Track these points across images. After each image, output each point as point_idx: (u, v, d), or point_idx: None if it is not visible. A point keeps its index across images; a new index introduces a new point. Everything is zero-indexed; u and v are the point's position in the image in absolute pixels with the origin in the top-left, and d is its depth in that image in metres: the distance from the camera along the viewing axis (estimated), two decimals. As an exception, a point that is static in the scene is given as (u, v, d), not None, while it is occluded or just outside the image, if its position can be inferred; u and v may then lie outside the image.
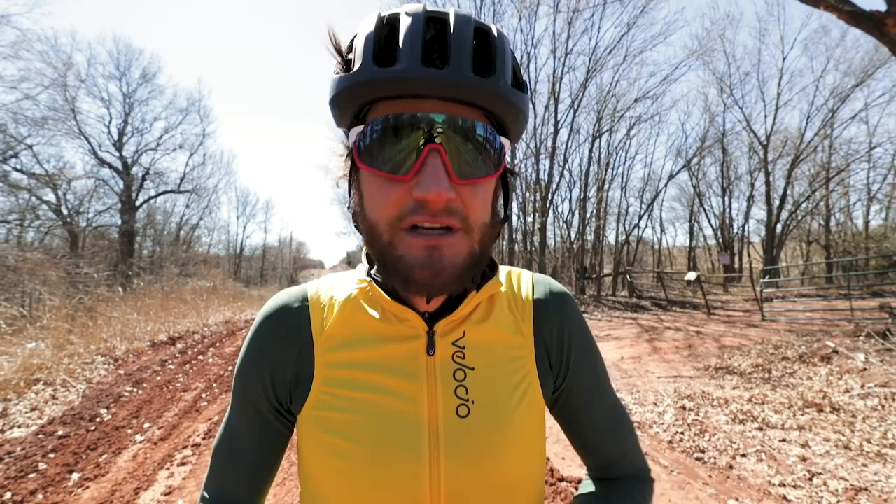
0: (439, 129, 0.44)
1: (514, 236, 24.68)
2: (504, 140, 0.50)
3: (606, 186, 22.09)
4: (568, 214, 25.78)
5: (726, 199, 25.87)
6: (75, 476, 3.12)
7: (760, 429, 3.86)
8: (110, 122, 23.49)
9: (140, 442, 3.76)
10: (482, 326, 0.55)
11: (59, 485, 2.99)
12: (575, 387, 0.60)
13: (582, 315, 0.64)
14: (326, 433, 0.51)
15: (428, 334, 0.53)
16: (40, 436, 3.90)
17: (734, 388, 5.04)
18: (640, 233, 28.60)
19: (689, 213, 28.14)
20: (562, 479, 2.95)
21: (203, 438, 3.81)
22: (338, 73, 0.47)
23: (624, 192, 25.38)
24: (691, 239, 28.09)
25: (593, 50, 18.88)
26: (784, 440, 3.61)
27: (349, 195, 0.52)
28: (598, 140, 21.31)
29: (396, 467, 0.49)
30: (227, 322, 12.54)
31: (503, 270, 0.62)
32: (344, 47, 0.48)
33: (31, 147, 18.51)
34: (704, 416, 4.21)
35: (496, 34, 0.48)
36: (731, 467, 3.20)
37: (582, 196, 21.13)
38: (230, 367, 6.53)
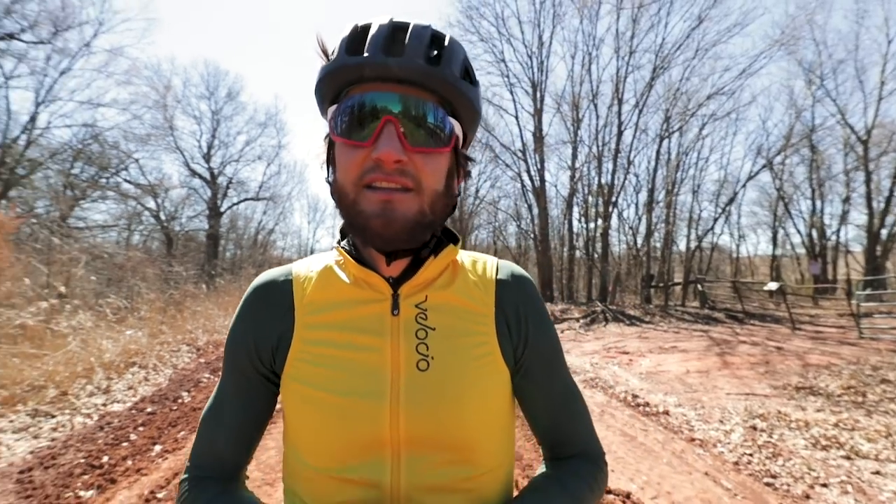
0: (396, 106, 0.53)
1: (574, 242, 23.95)
2: (454, 121, 0.57)
3: (676, 190, 20.77)
4: (634, 220, 24.57)
5: (817, 201, 23.26)
6: (157, 448, 3.51)
7: (848, 457, 3.45)
8: (201, 136, 26.10)
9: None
10: (444, 292, 0.60)
11: (144, 454, 3.38)
12: (531, 365, 0.63)
13: (541, 298, 0.67)
14: (303, 385, 0.56)
15: (393, 297, 0.58)
16: (133, 411, 4.43)
17: (818, 411, 4.54)
18: (715, 239, 26.53)
19: (773, 217, 25.63)
20: (609, 492, 2.84)
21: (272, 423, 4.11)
22: (323, 66, 0.56)
23: (696, 195, 23.71)
24: (774, 246, 25.54)
25: (660, 46, 17.96)
26: (878, 472, 3.20)
27: (328, 171, 0.60)
28: (666, 141, 20.15)
29: (361, 412, 0.54)
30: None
31: (471, 255, 0.67)
32: (328, 47, 0.57)
33: (137, 161, 21.06)
34: (779, 438, 3.84)
35: (448, 39, 0.56)
36: (807, 497, 2.89)
37: (649, 200, 20.03)
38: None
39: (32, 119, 15.01)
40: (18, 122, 15.02)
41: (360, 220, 0.53)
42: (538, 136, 21.07)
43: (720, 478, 3.12)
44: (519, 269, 0.66)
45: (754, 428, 4.04)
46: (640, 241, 21.91)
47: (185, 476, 0.62)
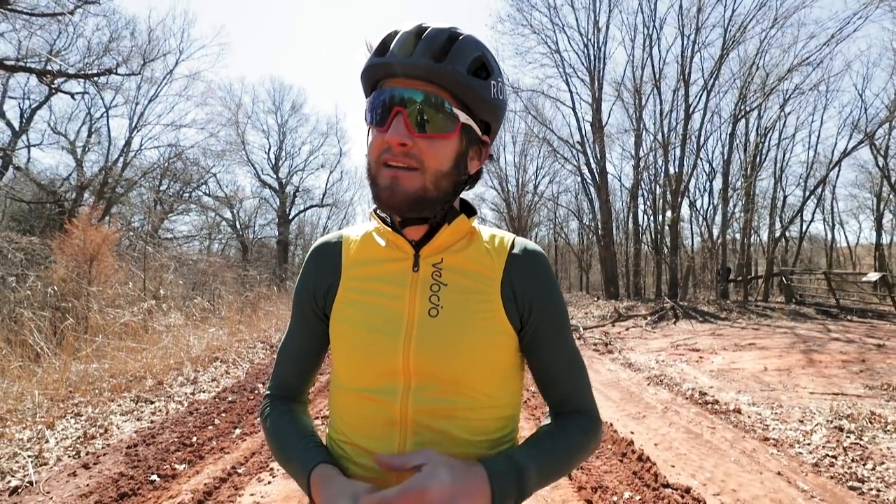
0: (406, 98, 0.63)
1: (640, 236, 22.76)
2: (459, 112, 0.65)
3: (755, 174, 19.04)
4: (708, 209, 22.86)
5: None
6: (237, 431, 3.89)
7: (955, 464, 3.04)
8: (269, 149, 28.07)
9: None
10: (458, 256, 0.71)
11: (226, 436, 3.77)
12: (537, 329, 0.71)
13: (552, 271, 0.74)
14: (342, 323, 0.71)
15: (414, 256, 0.70)
16: (217, 399, 4.93)
17: (923, 413, 4.02)
18: (805, 227, 23.98)
19: (876, 200, 22.63)
20: (666, 486, 2.74)
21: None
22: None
23: (780, 180, 21.58)
24: (879, 233, 22.54)
25: (730, 20, 16.55)
26: None
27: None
28: (743, 121, 18.55)
29: (382, 346, 0.66)
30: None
31: (493, 230, 0.77)
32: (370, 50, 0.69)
33: (215, 175, 23.15)
34: (870, 440, 3.46)
35: (462, 37, 0.64)
36: (900, 503, 2.60)
37: (724, 187, 18.57)
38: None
39: (127, 143, 17.04)
40: (116, 147, 17.14)
41: (376, 191, 0.66)
42: (597, 127, 20.31)
43: (796, 479, 2.89)
44: (532, 245, 0.74)
45: (840, 429, 3.67)
46: (715, 232, 20.37)
47: (266, 394, 0.82)
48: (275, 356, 6.38)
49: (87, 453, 3.45)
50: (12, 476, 3.03)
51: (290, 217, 28.22)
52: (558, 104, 22.58)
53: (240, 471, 3.09)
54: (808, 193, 20.10)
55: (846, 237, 36.61)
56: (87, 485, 2.91)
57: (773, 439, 3.55)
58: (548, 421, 0.74)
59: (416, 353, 0.65)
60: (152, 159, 18.22)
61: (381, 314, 0.68)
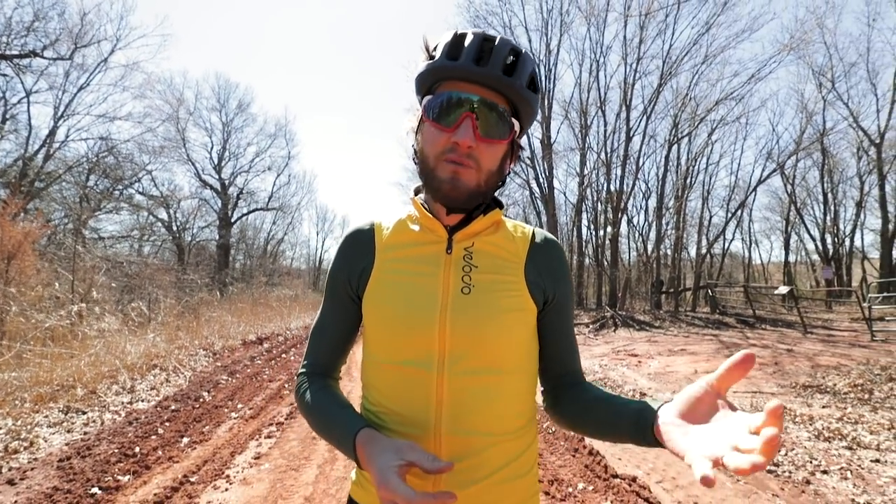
0: (475, 104, 0.70)
1: (583, 249, 23.97)
2: (514, 121, 0.74)
3: (686, 195, 20.78)
4: (644, 226, 24.54)
5: (830, 206, 23.06)
6: (185, 440, 3.69)
7: (850, 448, 3.53)
8: (212, 148, 26.67)
9: (234, 418, 4.32)
10: (486, 241, 0.79)
11: (173, 445, 3.57)
12: (554, 308, 0.80)
13: (566, 259, 0.85)
14: (379, 301, 0.76)
15: (448, 240, 0.77)
16: (158, 408, 4.63)
17: (824, 407, 4.61)
18: (727, 245, 26.38)
19: (785, 223, 25.44)
20: (615, 476, 2.96)
21: (285, 419, 4.29)
22: (426, 62, 0.74)
23: (706, 201, 23.66)
24: (787, 252, 25.33)
25: (667, 53, 18.09)
26: (877, 461, 3.29)
27: (415, 140, 0.79)
28: (675, 146, 20.22)
29: (418, 321, 0.72)
30: (306, 327, 13.55)
31: (517, 222, 0.86)
32: (430, 47, 0.75)
33: (150, 173, 21.59)
34: (783, 431, 3.92)
35: (523, 53, 0.74)
36: (808, 482, 2.99)
37: (658, 206, 20.07)
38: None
39: (51, 133, 15.56)
40: (38, 137, 15.60)
41: (435, 184, 0.73)
42: (546, 144, 21.26)
43: (725, 467, 3.22)
44: (550, 236, 0.85)
45: (760, 422, 4.13)
46: (650, 247, 21.91)
47: (301, 371, 0.84)
48: (218, 363, 6.11)
49: (10, 468, 3.14)
50: (-80, 495, 2.71)
51: (233, 220, 26.87)
52: (510, 120, 23.38)
53: (192, 479, 2.95)
54: (729, 215, 22.20)
55: (760, 255, 40.73)
56: (15, 501, 2.66)
57: (704, 433, 3.92)
58: (539, 399, 0.84)
59: (451, 327, 0.71)
60: (79, 152, 16.75)
61: (416, 291, 0.74)
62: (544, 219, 22.95)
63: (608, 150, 19.58)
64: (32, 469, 3.13)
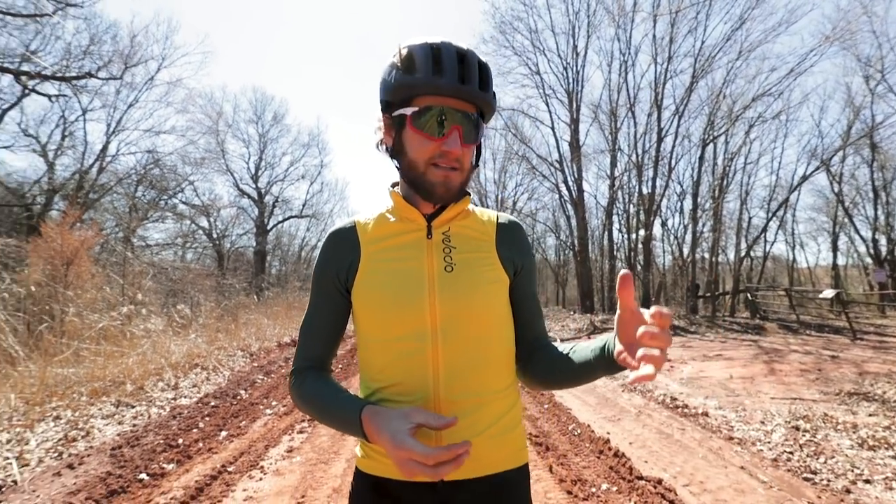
0: (461, 119, 0.81)
1: (615, 253, 23.46)
2: (482, 123, 0.86)
3: (722, 196, 20.02)
4: (679, 228, 23.79)
5: (881, 205, 21.63)
6: (224, 433, 3.91)
7: (896, 457, 3.35)
8: (249, 158, 27.76)
9: (269, 414, 4.52)
10: (460, 225, 0.89)
11: (213, 438, 3.79)
12: (522, 279, 0.92)
13: (528, 237, 0.96)
14: (370, 288, 0.84)
15: (427, 227, 0.87)
16: (199, 404, 4.90)
17: (871, 416, 4.37)
18: (769, 248, 25.20)
19: (833, 223, 24.05)
20: (640, 478, 2.93)
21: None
22: (399, 72, 0.80)
23: (745, 202, 22.70)
24: (835, 255, 23.89)
25: (699, 51, 17.55)
26: (927, 472, 3.11)
27: (389, 141, 0.87)
28: (710, 146, 19.55)
29: (409, 300, 0.81)
30: (337, 330, 13.85)
31: (484, 209, 0.96)
32: (404, 56, 0.80)
33: (192, 183, 22.72)
34: (823, 438, 3.76)
35: (484, 62, 0.83)
36: (848, 491, 2.87)
37: (693, 208, 19.43)
38: (339, 365, 7.34)
39: (104, 148, 16.66)
40: (93, 151, 16.73)
41: (427, 186, 0.82)
42: (575, 146, 21.01)
43: (757, 472, 3.13)
44: (514, 219, 0.95)
45: (797, 428, 3.96)
46: (685, 250, 21.20)
47: (293, 369, 0.90)
48: (255, 363, 6.38)
49: (69, 454, 3.42)
50: (-6, 476, 3.00)
51: (269, 227, 27.85)
52: (538, 123, 23.26)
53: (230, 469, 3.14)
54: (770, 215, 21.20)
55: (806, 258, 38.55)
56: (75, 483, 2.91)
57: (738, 438, 3.81)
58: (555, 348, 0.90)
59: (440, 302, 0.80)
60: (129, 165, 17.85)
61: (404, 275, 0.82)
62: (574, 223, 22.64)
63: (639, 151, 19.15)
64: (89, 455, 3.40)
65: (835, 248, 23.90)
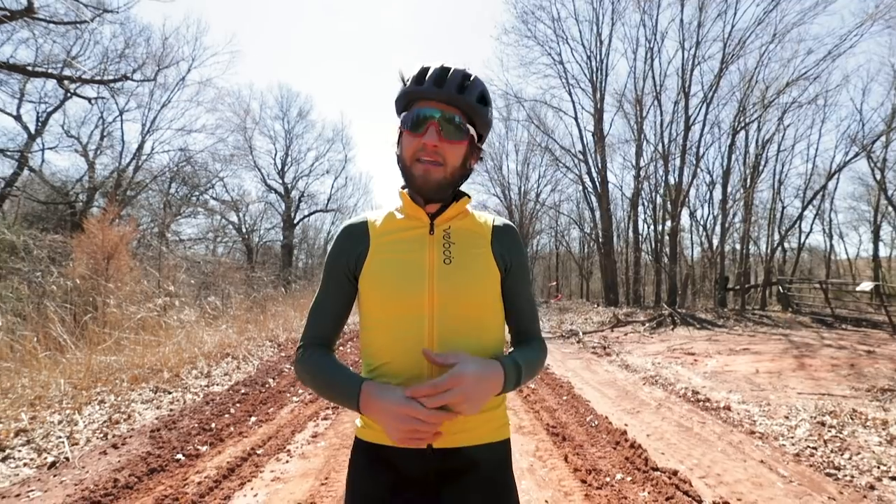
0: (437, 116, 0.91)
1: (640, 245, 22.98)
2: (470, 127, 0.95)
3: (754, 185, 19.30)
4: (708, 219, 23.08)
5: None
6: (253, 419, 4.12)
7: (928, 455, 3.26)
8: (276, 154, 28.37)
9: (296, 402, 4.72)
10: (460, 224, 0.99)
11: (242, 423, 4.00)
12: (512, 275, 1.00)
13: (522, 240, 1.04)
14: (376, 276, 0.94)
15: (430, 225, 0.97)
16: (230, 391, 5.15)
17: (904, 412, 4.23)
18: (804, 238, 24.16)
19: (874, 213, 22.84)
20: (656, 469, 2.96)
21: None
22: (401, 88, 0.97)
23: (778, 191, 21.79)
24: (876, 245, 22.72)
25: (729, 35, 16.89)
26: (960, 470, 3.02)
27: (397, 148, 0.99)
28: (741, 133, 18.84)
29: (410, 287, 0.91)
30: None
31: (482, 213, 1.06)
32: (405, 77, 0.97)
33: (222, 179, 23.43)
34: (850, 434, 3.68)
35: (474, 77, 0.95)
36: (872, 488, 2.82)
37: (723, 198, 18.82)
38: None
39: (139, 147, 17.36)
40: (129, 150, 17.47)
41: (411, 179, 0.94)
42: (599, 137, 20.62)
43: (777, 466, 3.10)
44: (509, 222, 1.04)
45: (822, 424, 3.88)
46: (715, 241, 20.58)
47: (301, 344, 1.00)
48: (283, 353, 6.66)
49: (113, 435, 3.69)
50: (48, 453, 3.27)
51: (295, 222, 28.48)
52: (561, 114, 22.95)
53: (258, 451, 3.32)
54: (805, 204, 20.33)
55: (846, 249, 36.73)
56: (119, 461, 3.15)
57: (759, 433, 3.77)
58: (511, 349, 1.02)
59: (438, 289, 0.90)
60: (162, 163, 18.56)
61: (407, 266, 0.92)
62: (598, 214, 22.28)
63: (666, 140, 18.65)
64: (130, 437, 3.65)
65: (876, 239, 22.72)
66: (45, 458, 3.19)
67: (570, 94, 21.12)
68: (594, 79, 20.53)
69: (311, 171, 29.39)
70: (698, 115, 17.87)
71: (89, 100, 14.44)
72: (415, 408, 0.78)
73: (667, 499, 2.56)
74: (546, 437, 3.63)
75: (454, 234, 0.97)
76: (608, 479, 2.86)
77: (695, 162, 18.35)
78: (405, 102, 0.95)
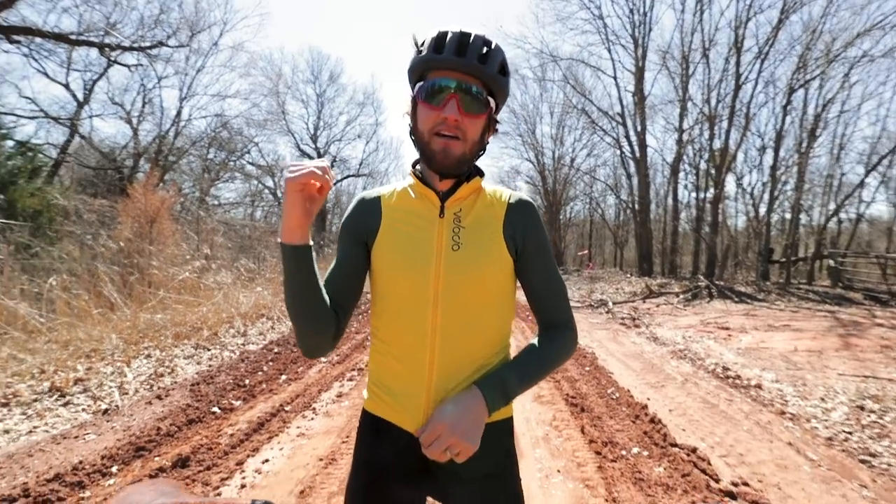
0: (458, 87, 0.86)
1: (679, 214, 22.00)
2: (490, 99, 0.89)
3: (809, 149, 17.85)
4: (755, 186, 21.71)
5: None
6: (283, 377, 4.34)
7: (978, 445, 3.06)
8: (308, 119, 28.60)
9: (324, 363, 4.93)
10: (472, 205, 0.95)
11: (273, 381, 4.23)
12: (527, 256, 0.95)
13: (539, 217, 0.98)
14: (385, 250, 0.92)
15: (441, 206, 0.93)
16: (264, 350, 5.43)
17: (956, 398, 3.97)
18: (864, 208, 22.39)
19: (950, 181, 20.74)
20: (674, 445, 2.93)
21: (366, 366, 4.80)
22: (415, 55, 0.90)
23: (838, 156, 20.10)
24: (950, 217, 20.80)
25: (795, -20, 15.23)
26: None
27: (411, 120, 0.94)
28: (800, 91, 17.29)
29: (418, 272, 0.89)
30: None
31: (497, 186, 1.00)
32: (418, 43, 0.90)
33: (257, 144, 23.90)
34: (892, 420, 3.49)
35: (494, 44, 0.88)
36: (909, 476, 2.69)
37: (773, 164, 17.57)
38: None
39: (178, 113, 17.83)
40: (168, 117, 17.98)
41: (429, 154, 0.89)
42: (639, 97, 19.49)
43: (806, 449, 3.01)
44: (525, 197, 0.98)
45: (861, 408, 3.70)
46: (762, 210, 19.41)
47: None
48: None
49: (158, 388, 3.98)
50: (101, 401, 3.58)
51: (328, 186, 28.88)
52: (599, 73, 21.75)
53: (287, 408, 3.51)
54: (868, 170, 18.70)
55: (912, 220, 33.72)
56: (162, 411, 3.41)
57: (791, 414, 3.64)
58: (534, 339, 0.97)
59: (444, 275, 0.88)
60: (200, 129, 19.06)
61: (416, 248, 0.90)
62: (635, 181, 21.36)
63: (713, 101, 17.38)
64: (173, 389, 3.94)
65: (949, 210, 20.76)
66: (100, 405, 3.50)
67: (609, 51, 19.94)
68: (636, 34, 19.21)
69: (342, 135, 29.53)
70: (751, 72, 16.50)
71: (128, 67, 14.84)
72: (307, 164, 0.81)
73: (682, 475, 2.54)
74: (564, 408, 3.65)
75: (465, 216, 0.93)
76: (623, 452, 2.86)
77: (744, 124, 17.10)
78: (421, 71, 0.89)
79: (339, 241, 1.00)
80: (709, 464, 2.71)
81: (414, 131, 0.92)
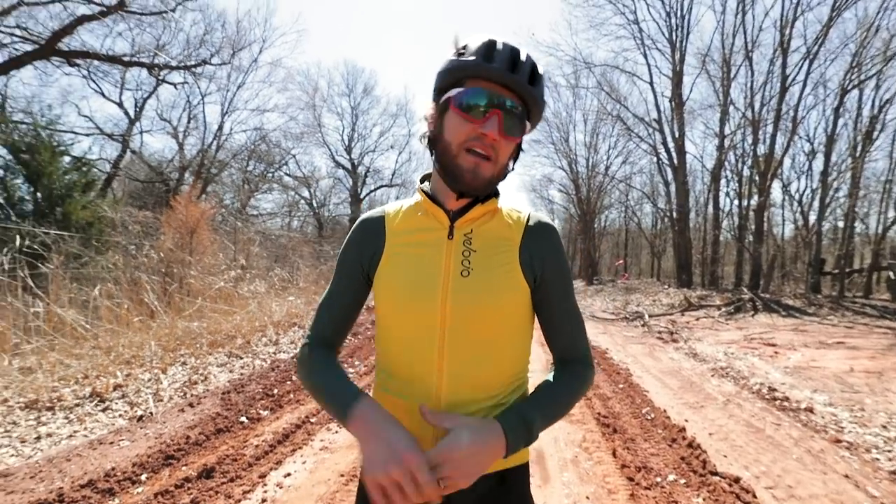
0: (506, 105, 0.78)
1: (720, 222, 21.04)
2: (527, 122, 0.83)
3: (864, 154, 16.70)
4: (804, 193, 20.51)
5: None
6: (311, 388, 4.38)
7: None
8: (343, 131, 29.30)
9: (352, 373, 4.96)
10: (484, 227, 0.86)
11: (301, 391, 4.26)
12: (546, 287, 0.87)
13: (560, 242, 0.89)
14: (389, 278, 0.86)
15: (450, 227, 0.85)
16: (295, 360, 5.52)
17: None
18: (928, 216, 20.68)
19: None
20: (714, 473, 2.73)
21: (391, 379, 4.79)
22: (455, 58, 0.81)
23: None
24: None
25: (846, -24, 14.41)
26: None
27: (432, 127, 0.85)
28: (853, 92, 16.27)
29: (424, 299, 0.82)
30: (420, 296, 14.50)
31: (513, 207, 0.91)
32: (459, 45, 0.82)
33: (294, 156, 24.71)
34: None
35: (537, 63, 0.82)
36: None
37: (824, 169, 16.55)
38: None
39: (220, 127, 18.70)
40: (211, 131, 18.89)
41: (454, 169, 0.80)
42: (677, 102, 18.89)
43: (866, 483, 2.73)
44: (546, 219, 0.90)
45: (930, 438, 3.35)
46: (811, 218, 18.30)
47: (305, 342, 0.92)
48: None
49: (191, 395, 4.10)
50: (138, 407, 3.71)
51: (362, 196, 29.46)
52: (634, 79, 21.26)
53: (312, 420, 3.53)
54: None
55: None
56: (193, 420, 3.49)
57: (847, 442, 3.34)
58: (550, 374, 0.88)
59: (452, 305, 0.80)
60: (240, 142, 19.90)
61: (422, 274, 0.83)
62: (672, 188, 20.64)
63: (757, 105, 16.61)
64: (205, 397, 4.04)
65: None
66: (136, 412, 3.63)
67: (645, 56, 19.48)
68: (673, 38, 18.69)
69: (376, 146, 30.06)
70: (798, 73, 15.67)
71: (175, 85, 15.72)
72: (419, 462, 0.66)
73: (724, 508, 2.35)
74: (595, 428, 3.49)
75: (476, 239, 0.85)
76: (659, 479, 2.69)
77: (791, 128, 16.23)
78: (460, 76, 0.80)
79: (338, 269, 0.94)
80: (754, 496, 2.50)
81: (437, 140, 0.83)
